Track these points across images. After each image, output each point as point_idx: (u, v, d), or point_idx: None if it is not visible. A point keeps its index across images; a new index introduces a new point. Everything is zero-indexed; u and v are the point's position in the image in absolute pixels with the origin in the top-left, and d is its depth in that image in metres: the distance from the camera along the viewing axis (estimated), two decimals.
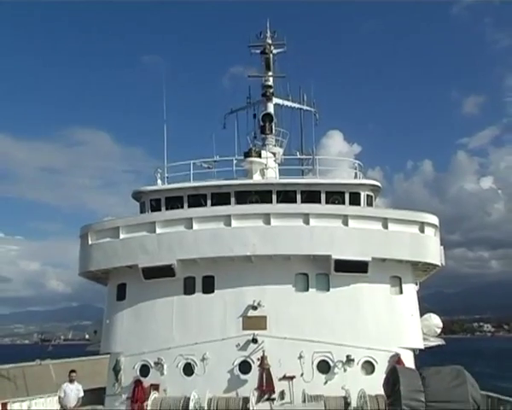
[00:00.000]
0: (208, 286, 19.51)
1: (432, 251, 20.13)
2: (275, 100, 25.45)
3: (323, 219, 19.17)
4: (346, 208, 19.96)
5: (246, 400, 17.33)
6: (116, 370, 19.34)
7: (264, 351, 18.34)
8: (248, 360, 18.63)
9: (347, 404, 17.10)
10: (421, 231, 19.67)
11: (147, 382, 18.89)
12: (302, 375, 18.26)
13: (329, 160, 23.92)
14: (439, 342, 22.36)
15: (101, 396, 19.58)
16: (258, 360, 18.33)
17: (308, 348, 18.45)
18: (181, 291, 19.59)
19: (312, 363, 18.50)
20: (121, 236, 19.79)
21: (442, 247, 21.13)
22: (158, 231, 19.46)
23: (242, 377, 18.54)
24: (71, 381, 17.20)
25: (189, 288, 19.61)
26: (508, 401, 14.70)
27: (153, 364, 19.02)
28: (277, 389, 18.02)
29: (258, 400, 17.66)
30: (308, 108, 26.26)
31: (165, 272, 19.23)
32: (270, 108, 25.18)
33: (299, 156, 24.55)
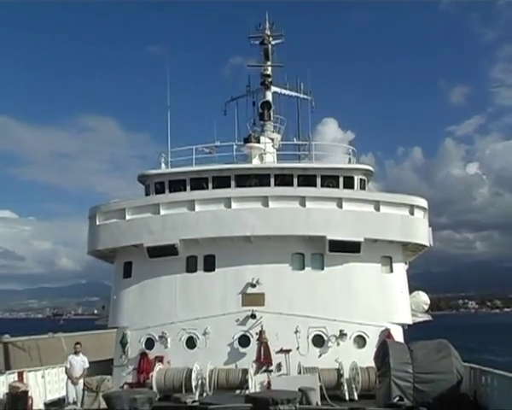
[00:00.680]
0: (209, 265, 19.50)
1: (421, 232, 20.14)
2: (273, 88, 25.28)
3: (319, 202, 19.14)
4: (340, 192, 19.90)
5: (245, 371, 17.34)
6: (123, 343, 19.38)
7: (262, 326, 18.35)
8: (247, 334, 18.66)
9: (340, 376, 17.19)
10: (411, 213, 19.68)
11: (152, 354, 18.93)
12: (298, 348, 18.30)
13: (325, 146, 24.09)
14: (427, 317, 22.40)
15: (109, 367, 19.60)
16: (257, 334, 18.36)
17: (303, 323, 18.47)
18: (183, 269, 19.56)
19: (307, 337, 18.53)
20: (127, 217, 19.76)
21: (430, 228, 21.11)
22: (162, 212, 19.44)
23: (242, 350, 18.57)
24: (76, 353, 17.17)
25: (191, 266, 19.59)
26: (489, 371, 14.81)
27: (157, 337, 19.06)
28: (274, 362, 18.09)
29: (257, 371, 17.71)
30: (305, 97, 26.07)
31: (169, 251, 19.20)
32: (269, 96, 25.02)
33: (295, 142, 24.42)
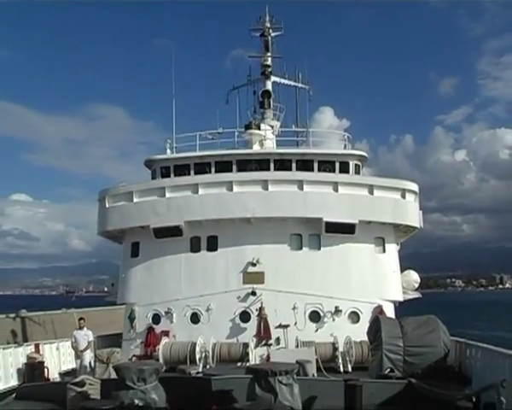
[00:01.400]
0: (212, 245, 19.45)
1: (412, 215, 20.09)
2: (273, 78, 25.10)
3: (316, 186, 19.07)
4: (336, 176, 19.80)
5: (246, 345, 17.39)
6: (131, 318, 19.44)
7: (262, 302, 18.37)
8: (248, 310, 18.67)
9: (335, 349, 17.20)
10: (403, 196, 19.62)
11: (158, 329, 18.98)
12: (295, 324, 18.31)
13: (321, 132, 23.89)
14: (417, 295, 22.39)
15: (119, 341, 19.67)
16: (257, 310, 18.38)
17: (301, 300, 18.48)
18: (188, 249, 19.52)
19: (305, 313, 18.55)
20: (135, 199, 19.71)
21: (421, 211, 21.04)
22: (167, 195, 19.39)
23: (242, 325, 18.60)
24: (80, 328, 17.11)
25: (195, 246, 19.55)
26: (473, 344, 14.88)
27: (163, 313, 19.10)
28: (273, 336, 18.11)
29: (257, 345, 17.74)
30: (303, 86, 25.87)
31: (174, 232, 19.16)
32: (269, 86, 24.86)
33: (294, 129, 24.36)
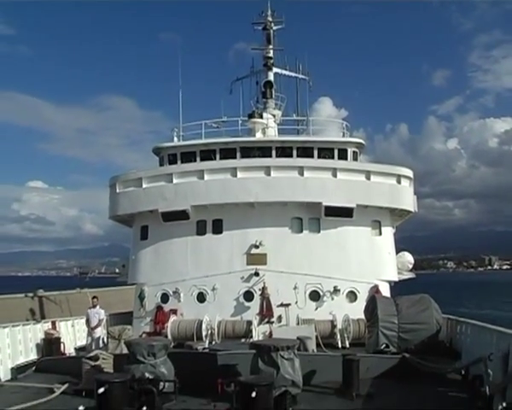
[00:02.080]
0: (217, 228, 19.42)
1: (407, 199, 20.02)
2: (274, 69, 24.90)
3: (316, 172, 18.98)
4: (335, 162, 19.71)
5: (249, 323, 17.43)
6: (141, 297, 19.47)
7: (264, 283, 18.38)
8: (251, 290, 18.69)
9: (334, 326, 17.22)
10: (398, 182, 19.54)
11: (167, 307, 18.99)
12: (296, 302, 18.31)
13: (321, 121, 23.90)
14: (411, 275, 22.41)
15: (130, 318, 19.73)
16: (260, 290, 18.39)
17: (301, 280, 18.47)
18: (194, 232, 19.50)
19: (305, 293, 18.55)
20: (144, 185, 19.66)
21: (415, 196, 20.98)
22: (174, 181, 19.32)
23: (246, 304, 18.63)
24: (94, 306, 17.11)
25: (201, 229, 19.52)
26: (463, 321, 14.93)
27: (171, 293, 19.12)
28: (276, 314, 18.14)
29: (260, 323, 17.80)
30: (303, 77, 25.65)
31: (181, 215, 19.13)
32: (271, 77, 24.65)
33: (295, 118, 24.19)
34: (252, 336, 16.72)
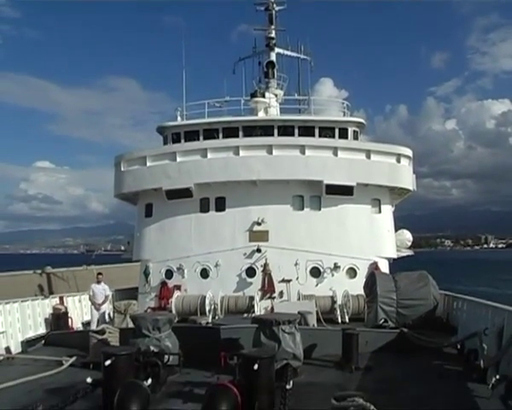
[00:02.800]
0: (220, 205, 19.38)
1: (406, 178, 19.92)
2: (277, 50, 24.56)
3: (317, 150, 18.87)
4: (336, 141, 19.59)
5: (251, 298, 17.40)
6: (146, 273, 19.55)
7: (266, 259, 18.39)
8: (253, 266, 18.71)
9: (334, 302, 17.24)
10: (398, 161, 19.42)
11: (171, 283, 19.08)
12: (297, 279, 18.34)
13: (322, 101, 23.85)
14: (409, 253, 22.42)
15: (135, 294, 19.83)
16: (262, 266, 18.41)
17: (303, 256, 18.48)
18: (197, 210, 19.48)
19: (306, 269, 18.57)
20: (148, 164, 19.61)
21: (414, 175, 20.88)
22: (178, 159, 19.24)
23: (248, 280, 18.66)
24: (98, 282, 17.04)
25: (204, 207, 19.50)
26: (460, 297, 14.99)
27: (175, 269, 19.18)
28: (277, 290, 18.17)
29: (262, 298, 17.79)
30: (304, 57, 25.33)
31: (185, 193, 19.09)
32: (273, 57, 24.34)
33: (296, 97, 23.98)
34: (254, 312, 16.72)
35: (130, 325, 12.12)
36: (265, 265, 18.29)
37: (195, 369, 10.41)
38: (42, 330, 15.20)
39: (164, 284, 19.09)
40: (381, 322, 14.37)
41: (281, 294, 18.19)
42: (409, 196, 21.73)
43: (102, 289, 16.97)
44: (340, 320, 16.79)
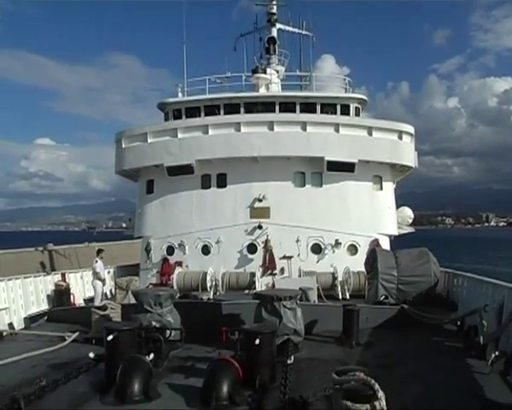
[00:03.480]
0: (222, 182, 19.34)
1: (407, 155, 19.82)
2: (278, 25, 24.27)
3: (318, 127, 18.75)
4: (338, 118, 19.43)
5: (252, 274, 17.52)
6: (147, 250, 19.61)
7: (267, 235, 18.42)
8: (255, 242, 18.74)
9: (335, 278, 17.32)
10: (400, 138, 19.32)
11: (172, 259, 19.15)
12: (299, 255, 18.39)
13: (324, 77, 23.55)
14: (410, 230, 22.40)
15: (137, 270, 19.92)
16: (263, 242, 18.46)
17: (304, 233, 18.48)
18: (199, 186, 19.44)
19: (307, 245, 18.59)
20: (149, 140, 19.52)
21: (416, 152, 20.76)
22: (179, 136, 19.17)
23: (250, 256, 18.71)
24: (101, 258, 16.98)
25: (205, 183, 19.46)
26: (460, 274, 15.02)
27: (177, 245, 19.22)
28: (278, 266, 18.26)
29: (263, 274, 17.92)
30: (306, 33, 24.97)
31: (186, 170, 19.06)
32: (274, 33, 24.08)
33: (298, 74, 23.74)
34: (255, 288, 16.83)
35: (132, 300, 12.15)
36: (266, 241, 18.32)
37: (197, 344, 10.47)
38: (44, 307, 15.29)
39: (165, 260, 19.16)
40: (381, 298, 14.41)
41: (282, 270, 18.27)
42: (410, 174, 21.61)
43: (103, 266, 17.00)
44: (340, 297, 16.87)
